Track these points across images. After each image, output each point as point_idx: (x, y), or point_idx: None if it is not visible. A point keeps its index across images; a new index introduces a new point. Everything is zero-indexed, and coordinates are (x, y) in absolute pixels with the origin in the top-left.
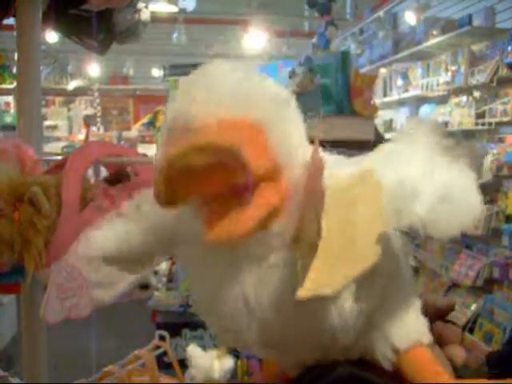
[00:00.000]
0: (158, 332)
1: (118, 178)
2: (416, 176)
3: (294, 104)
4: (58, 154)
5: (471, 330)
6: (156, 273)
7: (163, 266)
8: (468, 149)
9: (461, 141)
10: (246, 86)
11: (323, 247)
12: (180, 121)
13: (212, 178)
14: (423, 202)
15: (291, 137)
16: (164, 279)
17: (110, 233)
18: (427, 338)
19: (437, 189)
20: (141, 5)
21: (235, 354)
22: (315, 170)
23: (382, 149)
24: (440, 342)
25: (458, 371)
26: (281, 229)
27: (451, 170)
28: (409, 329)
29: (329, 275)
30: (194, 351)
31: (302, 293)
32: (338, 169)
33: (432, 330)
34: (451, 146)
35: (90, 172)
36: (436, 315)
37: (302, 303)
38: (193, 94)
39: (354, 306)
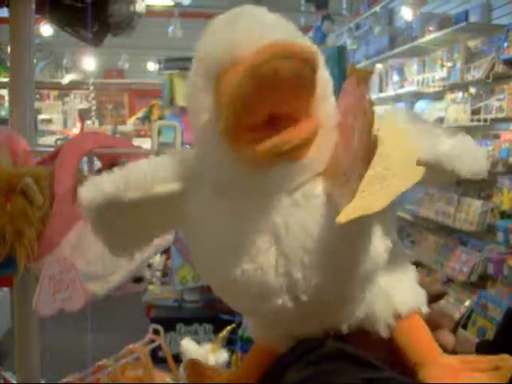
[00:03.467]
0: (153, 326)
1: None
2: (433, 127)
3: (321, 56)
4: (52, 147)
5: (465, 326)
6: (150, 266)
7: (157, 260)
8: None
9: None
10: (285, 22)
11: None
12: (229, 50)
13: (279, 95)
14: (444, 142)
15: (324, 83)
16: (158, 273)
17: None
18: (425, 308)
19: (451, 139)
20: None
21: (230, 347)
22: (361, 103)
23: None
24: (432, 326)
25: None
26: (312, 161)
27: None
28: (410, 295)
29: (371, 197)
30: (188, 345)
31: (343, 217)
32: None
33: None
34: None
35: (84, 164)
36: (428, 300)
37: (338, 236)
38: (238, 27)
39: (383, 246)
